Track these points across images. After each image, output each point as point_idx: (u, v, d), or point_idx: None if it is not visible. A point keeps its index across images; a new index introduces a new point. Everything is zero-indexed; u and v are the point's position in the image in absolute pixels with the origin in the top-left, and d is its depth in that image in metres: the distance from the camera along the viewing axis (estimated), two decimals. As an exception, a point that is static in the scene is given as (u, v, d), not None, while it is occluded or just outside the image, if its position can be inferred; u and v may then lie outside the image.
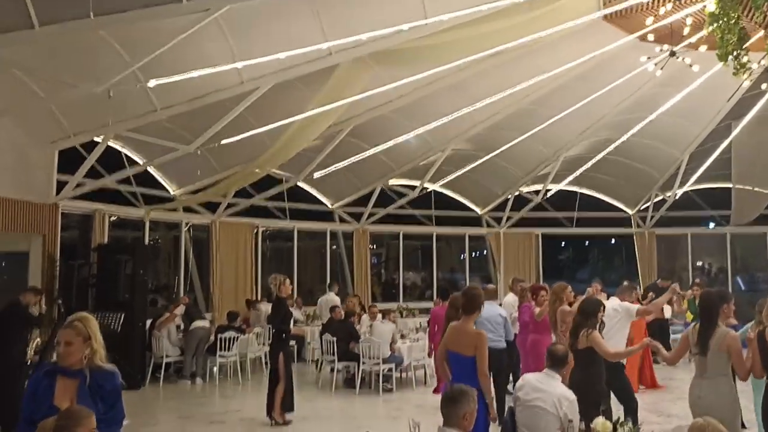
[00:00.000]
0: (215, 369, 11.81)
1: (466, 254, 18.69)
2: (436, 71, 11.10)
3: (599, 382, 5.73)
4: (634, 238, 18.56)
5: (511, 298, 10.01)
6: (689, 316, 12.40)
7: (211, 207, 14.41)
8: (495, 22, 9.52)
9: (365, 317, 12.54)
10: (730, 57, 8.09)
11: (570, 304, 7.72)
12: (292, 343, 13.65)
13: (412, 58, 10.63)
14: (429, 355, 10.99)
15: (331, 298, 13.93)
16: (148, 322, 11.74)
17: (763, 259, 18.12)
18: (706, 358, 5.02)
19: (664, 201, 17.78)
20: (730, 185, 16.97)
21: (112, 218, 12.75)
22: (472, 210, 18.41)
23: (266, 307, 11.96)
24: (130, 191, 12.97)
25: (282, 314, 8.73)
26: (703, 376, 5.06)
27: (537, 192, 17.56)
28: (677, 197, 17.46)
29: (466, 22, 9.50)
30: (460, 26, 9.59)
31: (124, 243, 13.84)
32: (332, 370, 11.22)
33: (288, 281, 8.76)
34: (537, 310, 8.43)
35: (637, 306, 7.99)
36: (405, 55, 10.44)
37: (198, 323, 12.01)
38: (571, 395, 5.04)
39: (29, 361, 8.21)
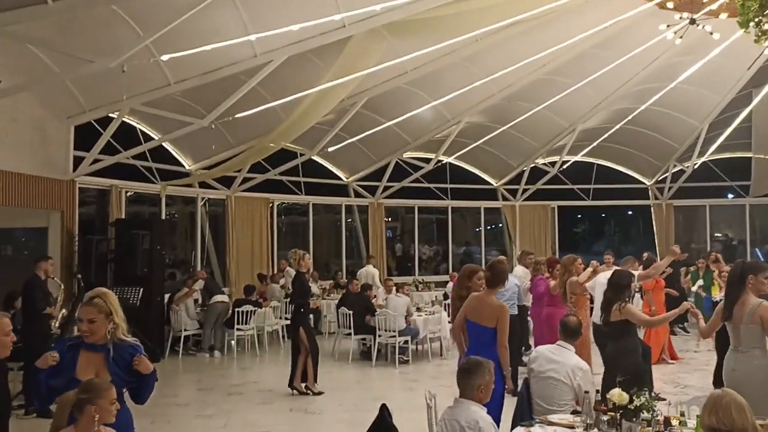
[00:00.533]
0: (233, 342, 11.96)
1: (482, 227, 18.63)
2: (451, 42, 10.96)
3: (634, 353, 5.67)
4: (652, 209, 18.40)
5: (520, 271, 10.25)
6: (690, 282, 12.40)
7: (227, 182, 14.46)
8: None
9: (381, 290, 12.60)
10: (751, 24, 7.91)
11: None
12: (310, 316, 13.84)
13: (426, 29, 10.50)
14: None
15: (370, 270, 14.50)
16: (166, 296, 11.88)
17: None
18: (739, 331, 4.96)
19: (682, 172, 17.56)
20: (749, 155, 16.73)
21: (129, 194, 12.84)
22: (488, 182, 18.32)
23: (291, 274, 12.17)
24: (146, 166, 13.03)
25: (301, 288, 8.88)
26: (737, 349, 4.99)
27: (553, 164, 17.42)
28: (696, 167, 17.23)
29: (481, -9, 9.37)
30: (475, -4, 9.46)
31: (142, 218, 13.96)
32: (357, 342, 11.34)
33: (307, 256, 8.94)
34: (552, 283, 8.48)
35: (637, 272, 8.13)
36: (419, 26, 10.31)
37: (218, 298, 12.18)
38: (585, 365, 5.06)
39: (54, 335, 8.40)
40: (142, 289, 10.64)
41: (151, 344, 10.63)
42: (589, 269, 8.05)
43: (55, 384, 3.48)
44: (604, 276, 7.38)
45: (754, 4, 7.66)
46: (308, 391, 8.76)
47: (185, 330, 11.65)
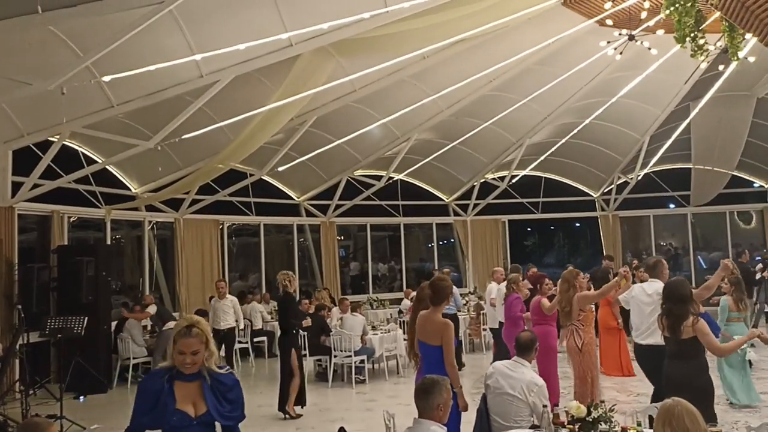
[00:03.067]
0: (184, 368, 11.61)
1: (434, 243, 18.73)
2: (398, 60, 11.03)
3: (705, 372, 5.28)
4: (599, 220, 18.82)
5: (494, 286, 10.44)
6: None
7: (175, 204, 14.15)
8: (456, 9, 9.48)
9: (335, 310, 12.47)
10: (688, 39, 8.19)
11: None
12: (263, 338, 13.59)
13: (373, 47, 10.54)
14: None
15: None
16: (114, 324, 11.50)
17: (723, 237, 18.55)
18: None
19: (626, 183, 18.05)
20: (689, 166, 17.31)
21: (72, 219, 12.43)
22: (439, 198, 18.46)
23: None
24: (90, 191, 12.63)
25: (293, 310, 8.87)
26: None
27: (502, 179, 17.66)
28: (639, 179, 17.73)
29: (427, 9, 9.45)
30: (422, 14, 9.53)
31: (86, 244, 13.52)
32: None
33: (294, 276, 9.02)
34: (548, 303, 7.64)
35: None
36: (367, 44, 10.34)
37: (171, 324, 11.81)
38: (540, 381, 5.04)
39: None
40: (87, 318, 10.25)
41: (97, 374, 10.31)
42: (616, 279, 7.19)
43: (157, 421, 3.29)
44: (639, 288, 6.78)
45: (689, 20, 7.93)
46: (287, 415, 8.62)
47: (134, 358, 11.28)
